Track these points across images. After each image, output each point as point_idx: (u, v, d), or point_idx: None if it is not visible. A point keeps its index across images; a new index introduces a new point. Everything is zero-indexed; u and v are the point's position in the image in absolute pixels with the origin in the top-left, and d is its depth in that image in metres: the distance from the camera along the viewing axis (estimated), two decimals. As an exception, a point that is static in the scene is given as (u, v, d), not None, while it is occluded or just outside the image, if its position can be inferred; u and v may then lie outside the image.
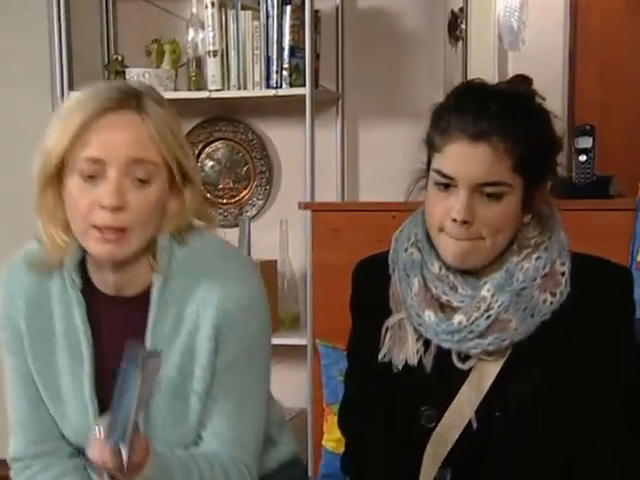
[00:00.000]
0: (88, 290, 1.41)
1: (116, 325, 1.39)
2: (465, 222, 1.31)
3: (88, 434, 1.27)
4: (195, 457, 1.39)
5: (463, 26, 3.19)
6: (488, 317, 1.33)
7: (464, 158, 1.30)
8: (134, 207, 1.31)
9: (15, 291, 1.43)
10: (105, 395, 1.35)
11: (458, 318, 1.35)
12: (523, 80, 1.39)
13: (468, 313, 1.34)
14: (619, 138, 3.64)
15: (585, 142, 2.13)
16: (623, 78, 3.93)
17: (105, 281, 1.40)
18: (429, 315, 1.36)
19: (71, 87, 2.92)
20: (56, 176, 1.33)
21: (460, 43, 3.22)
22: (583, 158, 2.13)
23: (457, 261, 1.35)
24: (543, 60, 3.65)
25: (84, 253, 1.39)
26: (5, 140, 3.18)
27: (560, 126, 1.38)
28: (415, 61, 2.96)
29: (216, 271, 1.38)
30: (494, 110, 1.30)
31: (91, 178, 1.31)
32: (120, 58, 3.05)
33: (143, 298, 1.38)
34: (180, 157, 1.35)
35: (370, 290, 1.48)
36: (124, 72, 2.98)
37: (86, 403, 1.41)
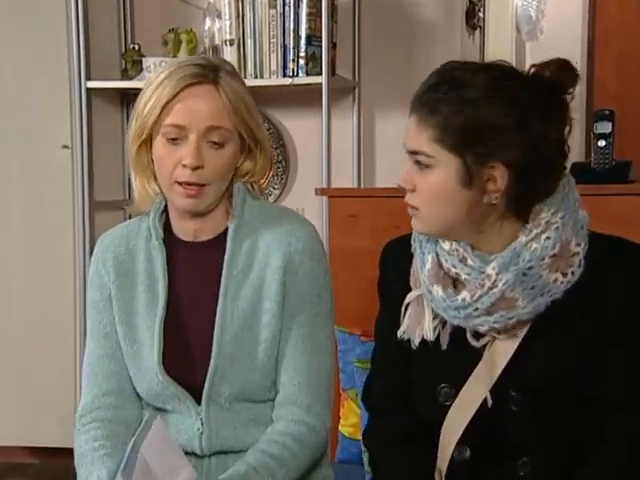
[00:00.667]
0: (168, 238, 1.60)
1: (191, 266, 1.59)
2: (410, 190, 1.38)
3: (155, 383, 1.52)
4: (264, 449, 1.50)
5: (481, 14, 3.17)
6: (492, 295, 1.34)
7: (405, 130, 1.38)
8: (210, 166, 1.51)
9: (106, 252, 1.63)
10: (172, 332, 1.55)
11: (462, 295, 1.36)
12: (562, 64, 1.35)
13: (472, 290, 1.35)
14: (637, 126, 3.61)
15: (604, 127, 2.11)
16: (642, 67, 3.90)
17: (185, 229, 1.59)
18: (437, 290, 1.38)
19: (88, 76, 2.94)
20: (148, 138, 1.55)
21: (477, 32, 3.21)
22: (602, 143, 2.11)
23: (419, 229, 1.41)
24: (561, 50, 3.59)
25: (166, 207, 1.60)
26: (23, 130, 3.19)
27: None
28: (432, 50, 2.95)
29: (283, 220, 1.59)
30: (427, 85, 1.35)
31: (174, 140, 1.51)
32: (137, 47, 3.06)
33: (217, 241, 1.58)
34: (251, 124, 1.55)
35: (395, 270, 1.49)
36: (141, 61, 2.99)
37: (154, 340, 1.55)
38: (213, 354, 1.51)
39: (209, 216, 1.57)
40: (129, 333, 1.58)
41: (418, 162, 1.35)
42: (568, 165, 2.16)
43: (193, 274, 1.58)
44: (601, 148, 2.12)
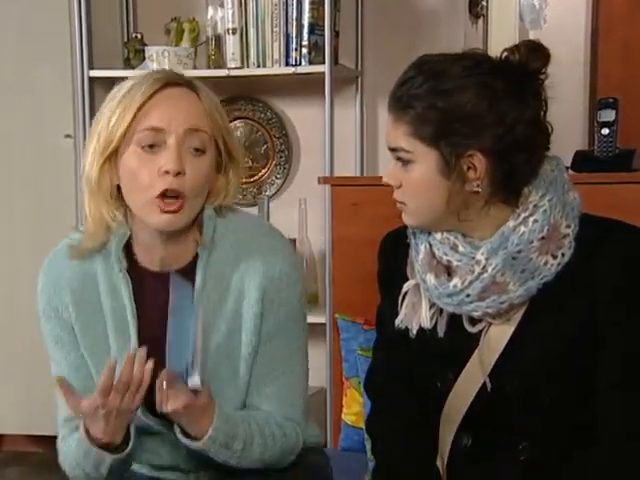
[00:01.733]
0: (133, 269, 1.48)
1: (160, 299, 1.43)
2: (396, 186, 1.40)
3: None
4: (252, 414, 1.49)
5: (484, 3, 3.16)
6: (482, 280, 1.35)
7: (386, 127, 1.41)
8: (190, 174, 1.41)
9: (58, 281, 1.49)
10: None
11: (454, 281, 1.37)
12: (531, 46, 1.36)
13: (463, 276, 1.36)
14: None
15: (608, 115, 2.11)
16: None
17: (152, 258, 1.48)
18: (430, 278, 1.39)
19: (91, 66, 2.93)
20: (113, 154, 1.42)
21: (480, 20, 3.19)
22: (606, 131, 2.10)
23: (409, 223, 1.43)
24: (565, 39, 3.62)
25: (130, 235, 1.47)
26: (26, 119, 3.19)
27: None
28: (435, 38, 2.94)
29: (256, 243, 1.49)
30: (403, 79, 1.36)
31: (151, 147, 1.40)
32: (139, 36, 3.06)
33: (186, 271, 1.46)
34: (225, 136, 1.47)
35: (394, 261, 1.50)
36: (143, 50, 2.98)
37: None
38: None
39: (178, 242, 1.46)
40: (102, 369, 1.41)
41: (399, 158, 1.37)
42: (571, 153, 2.18)
43: (163, 307, 1.39)
44: (604, 136, 2.11)
